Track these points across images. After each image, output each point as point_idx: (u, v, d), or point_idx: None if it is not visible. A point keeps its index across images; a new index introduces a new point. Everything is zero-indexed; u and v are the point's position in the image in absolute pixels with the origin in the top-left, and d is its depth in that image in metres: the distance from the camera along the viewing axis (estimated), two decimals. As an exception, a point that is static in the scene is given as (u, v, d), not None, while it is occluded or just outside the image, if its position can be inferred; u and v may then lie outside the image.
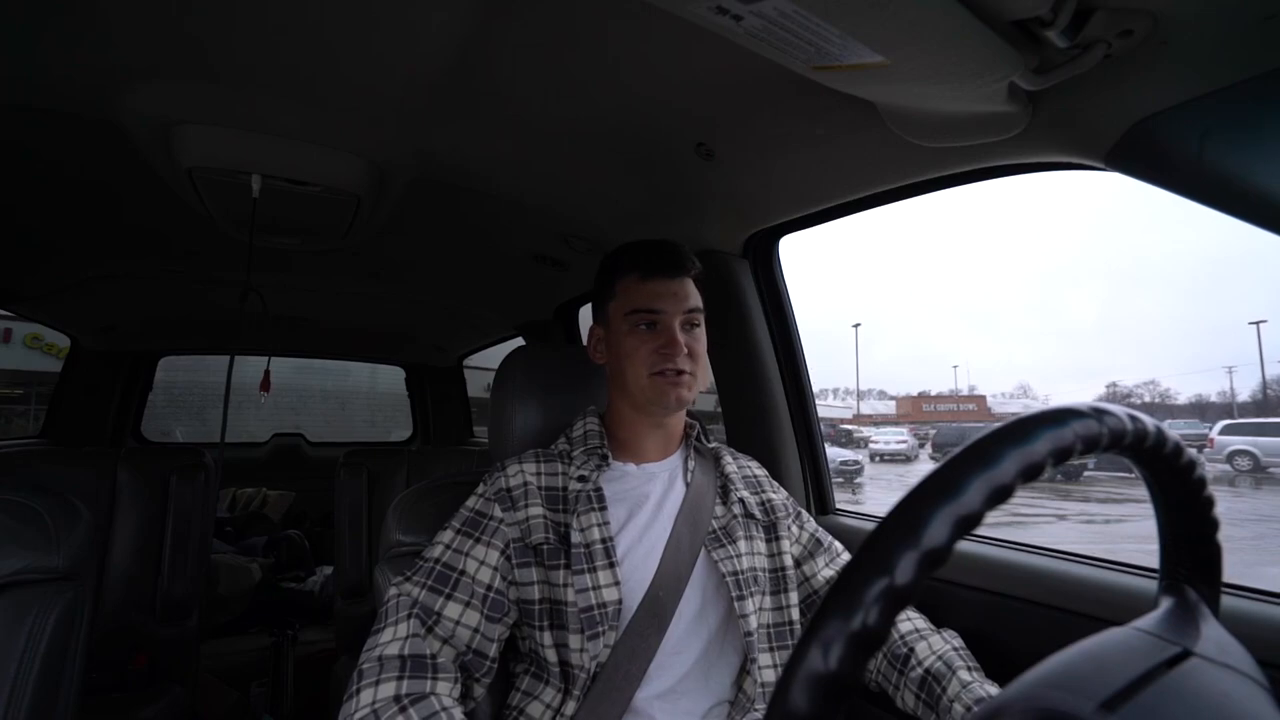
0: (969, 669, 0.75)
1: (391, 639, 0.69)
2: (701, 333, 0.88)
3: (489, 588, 0.74)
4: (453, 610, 0.72)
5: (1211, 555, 0.42)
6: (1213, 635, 0.38)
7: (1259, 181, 0.61)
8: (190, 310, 2.15)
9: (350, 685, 0.66)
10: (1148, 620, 0.39)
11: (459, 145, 1.07)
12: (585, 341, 0.96)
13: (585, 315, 2.06)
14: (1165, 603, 0.42)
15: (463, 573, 0.74)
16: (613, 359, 0.89)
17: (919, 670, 0.77)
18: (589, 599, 0.73)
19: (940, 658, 0.77)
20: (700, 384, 0.86)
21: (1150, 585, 0.60)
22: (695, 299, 0.87)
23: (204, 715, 1.81)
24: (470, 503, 0.81)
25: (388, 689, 0.64)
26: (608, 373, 0.92)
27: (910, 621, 0.83)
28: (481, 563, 0.75)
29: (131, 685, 1.51)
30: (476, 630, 0.72)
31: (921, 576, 0.29)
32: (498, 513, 0.79)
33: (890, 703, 0.82)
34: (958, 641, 0.80)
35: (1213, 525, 0.42)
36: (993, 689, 0.71)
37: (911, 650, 0.79)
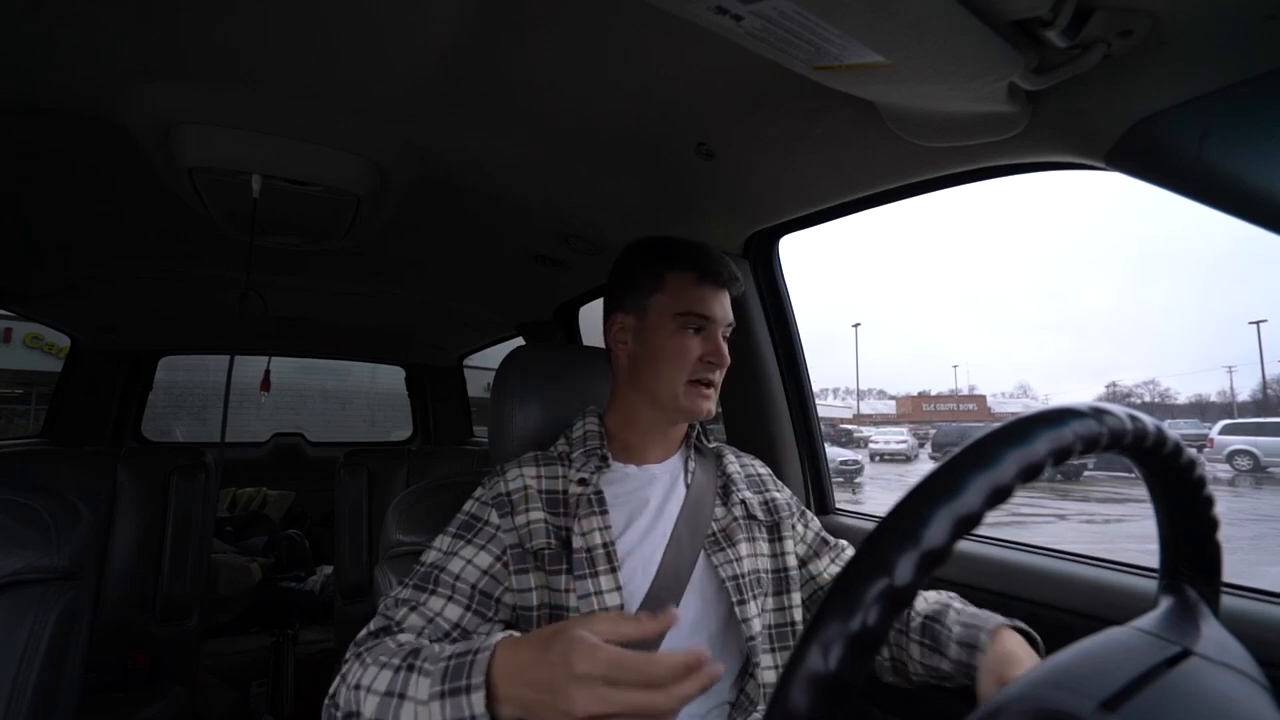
0: (964, 604, 0.76)
1: (366, 635, 0.69)
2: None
3: (474, 586, 0.73)
4: (434, 604, 0.71)
5: (1211, 555, 0.42)
6: (1213, 635, 0.38)
7: (1259, 181, 0.61)
8: (190, 310, 2.15)
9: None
10: (1148, 620, 0.39)
11: (460, 145, 1.07)
12: (604, 328, 0.92)
13: (585, 315, 2.06)
14: (1165, 602, 0.42)
15: (447, 572, 0.73)
16: (646, 354, 0.85)
17: (918, 620, 0.77)
18: (591, 604, 0.73)
19: (936, 602, 0.78)
20: None
21: (1150, 585, 0.60)
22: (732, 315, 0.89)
23: (204, 715, 1.81)
24: (467, 506, 0.81)
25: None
26: (625, 366, 0.88)
27: None
28: (469, 562, 0.74)
29: (131, 685, 1.52)
30: (458, 624, 0.71)
31: (921, 576, 0.29)
32: (494, 519, 0.78)
33: (890, 703, 0.81)
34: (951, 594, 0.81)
35: (1212, 525, 0.42)
36: (991, 615, 0.71)
37: (910, 607, 0.79)
